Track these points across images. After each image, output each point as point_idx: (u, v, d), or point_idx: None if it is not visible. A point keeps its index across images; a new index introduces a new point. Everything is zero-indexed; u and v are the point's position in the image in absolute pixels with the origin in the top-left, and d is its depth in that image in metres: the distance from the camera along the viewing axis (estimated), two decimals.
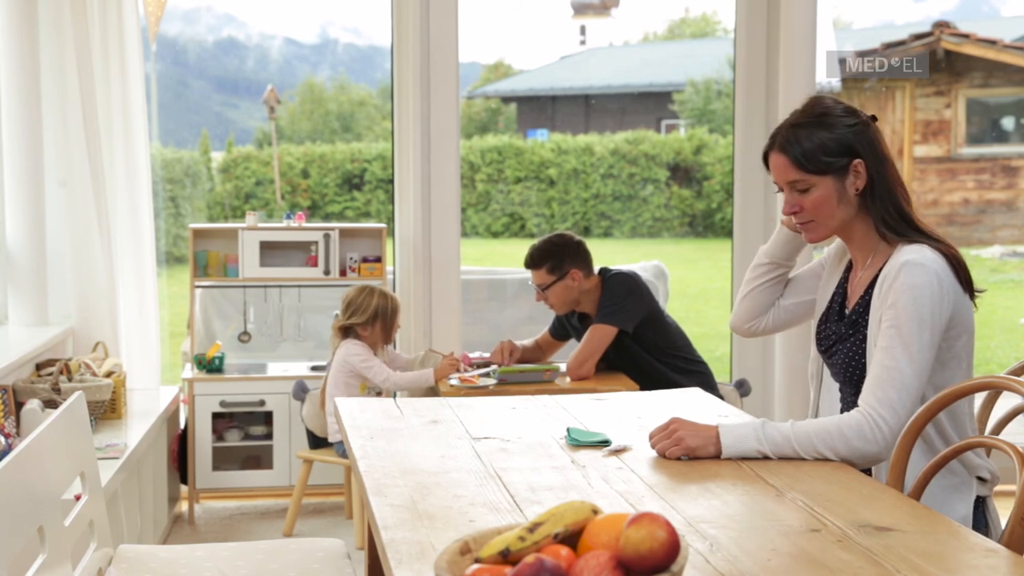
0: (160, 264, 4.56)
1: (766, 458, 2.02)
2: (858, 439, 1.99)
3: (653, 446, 2.09)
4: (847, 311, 2.20)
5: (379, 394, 3.92)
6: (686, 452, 2.05)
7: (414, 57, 4.22)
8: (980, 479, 2.18)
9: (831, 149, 2.11)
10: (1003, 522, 1.97)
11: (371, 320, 3.85)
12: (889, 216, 2.11)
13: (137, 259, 4.29)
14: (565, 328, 3.97)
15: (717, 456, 2.03)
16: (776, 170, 2.15)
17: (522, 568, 1.29)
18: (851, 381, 2.17)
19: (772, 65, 4.38)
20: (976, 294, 2.12)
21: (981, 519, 2.21)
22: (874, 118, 2.16)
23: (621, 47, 16.57)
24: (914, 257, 2.03)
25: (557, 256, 3.74)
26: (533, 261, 3.78)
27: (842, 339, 2.18)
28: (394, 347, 4.14)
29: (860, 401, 2.03)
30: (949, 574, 1.51)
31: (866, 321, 2.12)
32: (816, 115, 2.13)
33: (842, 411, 2.20)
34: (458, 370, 3.76)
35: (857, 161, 2.11)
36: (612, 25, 16.79)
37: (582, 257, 3.78)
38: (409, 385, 3.80)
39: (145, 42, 4.35)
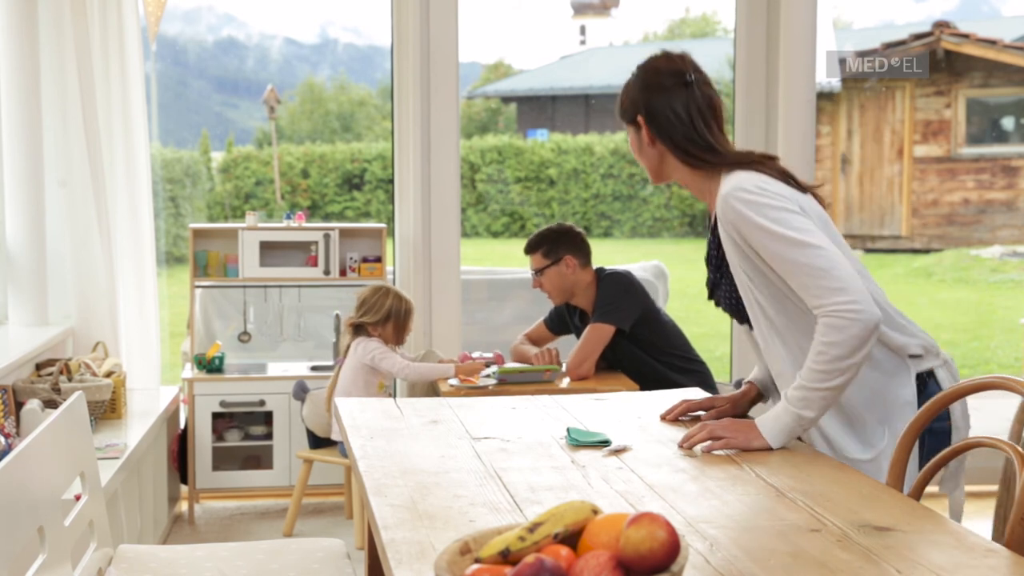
0: (160, 264, 4.56)
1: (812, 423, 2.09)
2: (838, 334, 2.00)
3: (690, 446, 2.11)
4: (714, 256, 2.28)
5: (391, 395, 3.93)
6: (731, 448, 2.10)
7: (414, 57, 4.22)
8: (913, 356, 2.18)
9: (622, 110, 2.30)
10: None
11: (383, 321, 3.84)
12: (691, 155, 2.20)
13: (137, 259, 4.29)
14: (564, 322, 3.97)
15: (767, 448, 2.09)
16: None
17: (522, 568, 1.29)
18: (741, 317, 2.26)
19: (772, 65, 4.38)
20: (813, 189, 2.20)
21: (934, 391, 2.14)
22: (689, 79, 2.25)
23: (621, 47, 16.56)
24: (731, 186, 2.11)
25: (553, 241, 3.81)
26: (530, 246, 3.85)
27: (716, 284, 2.29)
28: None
29: (814, 312, 2.05)
30: (949, 574, 1.51)
31: (725, 261, 2.20)
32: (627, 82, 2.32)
33: (760, 346, 2.28)
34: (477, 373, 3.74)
35: (639, 117, 2.24)
36: (612, 25, 16.78)
37: (578, 246, 3.82)
38: (427, 376, 3.79)
39: (145, 42, 4.34)
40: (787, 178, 2.16)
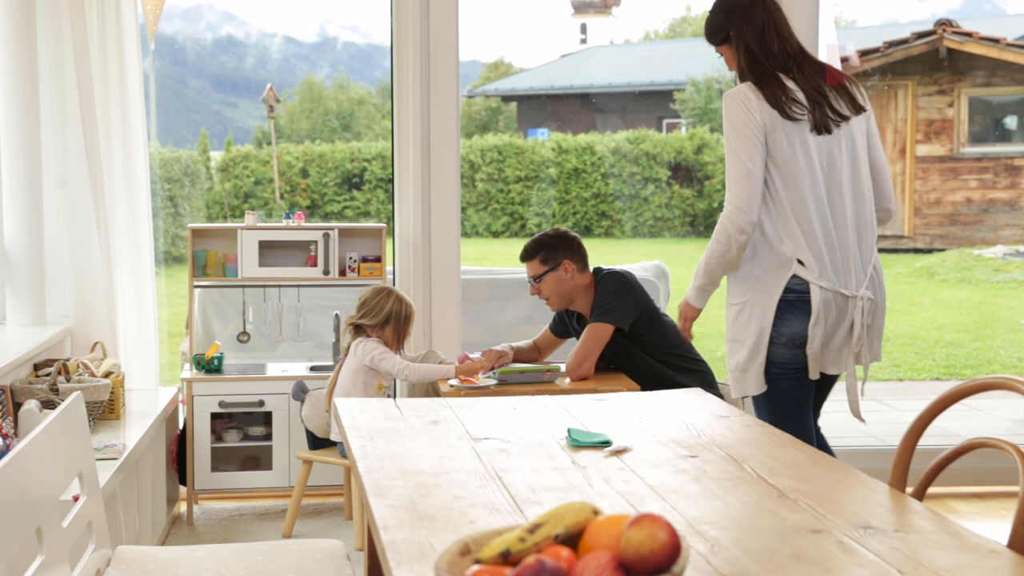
0: (159, 264, 4.55)
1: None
2: (716, 234, 2.88)
3: None
4: None
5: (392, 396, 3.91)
6: None
7: (414, 55, 4.21)
8: (799, 262, 2.87)
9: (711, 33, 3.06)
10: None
11: (382, 324, 3.82)
12: (741, 71, 2.91)
13: (136, 259, 4.28)
14: (566, 325, 3.96)
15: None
16: None
17: (522, 569, 1.28)
18: None
19: None
20: (803, 118, 2.84)
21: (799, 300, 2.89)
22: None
23: (622, 46, 16.56)
24: (729, 91, 2.85)
25: (550, 247, 3.79)
26: (527, 253, 3.84)
27: None
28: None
29: None
30: (951, 575, 1.50)
31: None
32: None
33: None
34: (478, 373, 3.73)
35: (730, 35, 2.96)
36: (613, 23, 16.78)
37: (575, 251, 3.80)
38: (428, 376, 3.77)
39: (144, 40, 4.33)
40: (776, 102, 2.80)
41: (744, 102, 2.79)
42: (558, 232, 3.85)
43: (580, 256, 3.81)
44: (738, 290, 2.97)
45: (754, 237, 2.87)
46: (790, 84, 2.84)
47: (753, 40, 2.86)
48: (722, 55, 2.97)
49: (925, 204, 12.03)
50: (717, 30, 2.95)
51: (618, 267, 3.96)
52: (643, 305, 3.76)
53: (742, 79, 2.88)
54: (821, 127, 2.83)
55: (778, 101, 2.79)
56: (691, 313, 3.06)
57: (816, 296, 2.84)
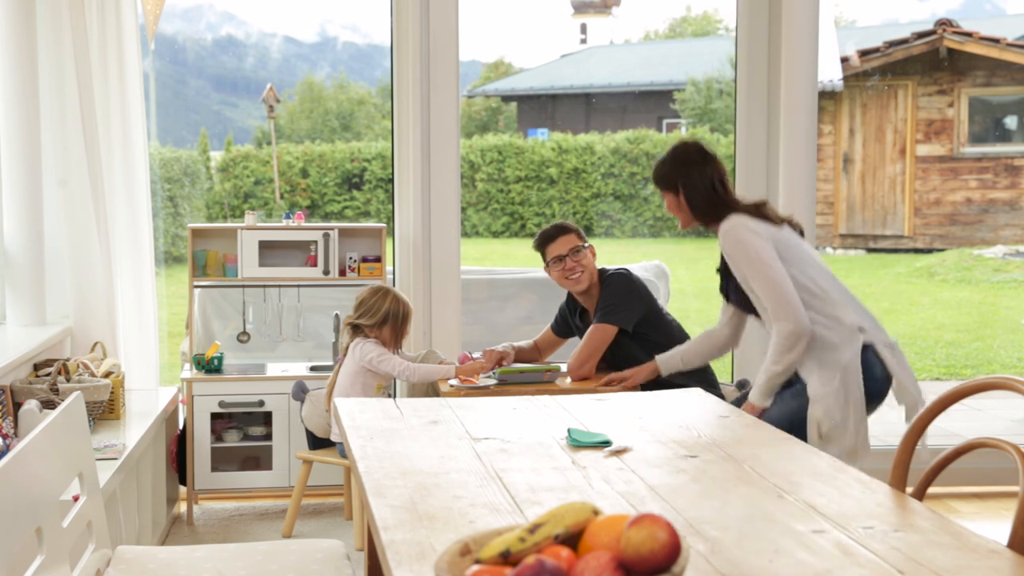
0: (159, 264, 4.55)
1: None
2: (776, 351, 3.10)
3: None
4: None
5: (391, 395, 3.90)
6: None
7: (414, 55, 4.21)
8: (861, 328, 3.12)
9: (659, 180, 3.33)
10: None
11: (380, 324, 3.81)
12: (699, 209, 3.23)
13: (136, 259, 4.28)
14: (568, 324, 3.95)
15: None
16: None
17: (523, 569, 1.28)
18: (751, 309, 3.21)
19: (774, 64, 4.36)
20: (785, 220, 3.20)
21: (872, 362, 3.14)
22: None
23: (622, 46, 16.56)
24: (723, 228, 3.13)
25: (579, 229, 3.89)
26: (561, 229, 3.83)
27: (727, 287, 3.30)
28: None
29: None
30: (951, 575, 1.50)
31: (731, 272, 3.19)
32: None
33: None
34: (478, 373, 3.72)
35: (679, 185, 3.24)
36: (613, 23, 16.77)
37: None
38: (428, 376, 3.77)
39: (143, 40, 4.33)
40: (766, 217, 3.13)
41: (745, 226, 3.09)
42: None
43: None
44: (819, 376, 3.10)
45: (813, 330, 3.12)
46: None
47: (716, 182, 3.22)
48: (665, 199, 3.31)
49: (925, 204, 12.02)
50: (667, 179, 3.27)
51: (619, 266, 3.95)
52: (648, 305, 3.76)
53: (704, 216, 3.22)
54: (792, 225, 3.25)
55: (764, 215, 3.15)
56: (756, 412, 3.21)
57: (883, 353, 3.16)
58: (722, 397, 3.35)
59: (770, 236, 3.08)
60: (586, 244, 3.80)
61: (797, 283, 3.08)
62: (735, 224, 3.09)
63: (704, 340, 3.49)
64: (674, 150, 3.29)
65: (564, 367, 3.81)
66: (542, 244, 3.82)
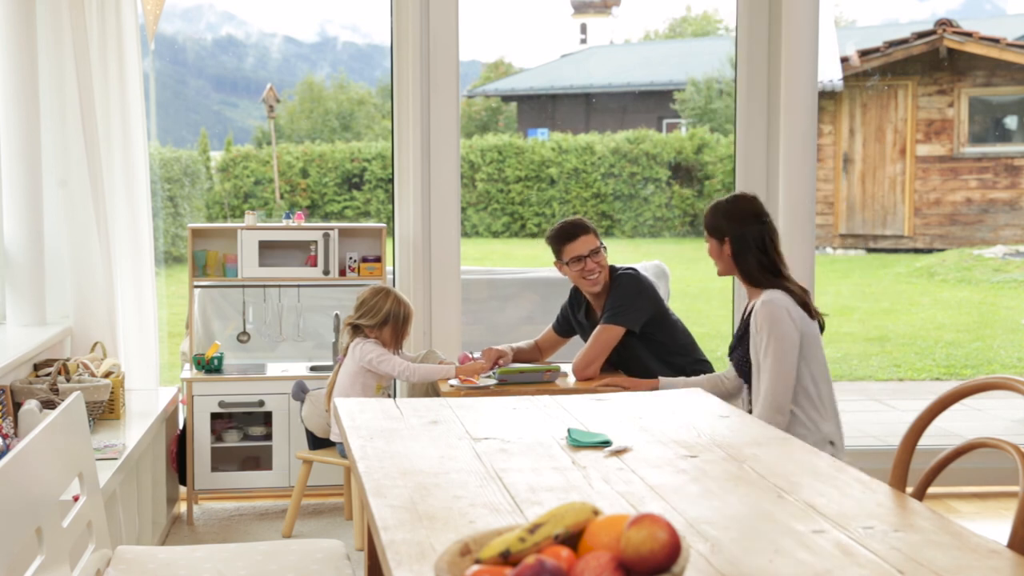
0: (159, 264, 4.55)
1: None
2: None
3: None
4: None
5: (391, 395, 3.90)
6: None
7: (414, 55, 4.21)
8: (832, 443, 3.19)
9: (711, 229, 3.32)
10: None
11: (380, 324, 3.80)
12: (744, 269, 3.23)
13: (136, 259, 4.28)
14: (570, 324, 3.94)
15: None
16: None
17: (523, 569, 1.28)
18: (745, 377, 3.27)
19: (774, 64, 4.36)
20: (819, 316, 3.21)
21: None
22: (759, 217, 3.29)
23: (622, 46, 16.56)
24: (765, 297, 3.14)
25: (713, 230, 3.82)
26: (579, 228, 3.75)
27: (735, 348, 3.33)
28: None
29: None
30: (951, 575, 1.50)
31: (747, 337, 3.22)
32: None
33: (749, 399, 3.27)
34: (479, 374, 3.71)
35: (726, 238, 3.25)
36: (613, 23, 16.77)
37: None
38: (428, 376, 3.76)
39: (144, 40, 4.33)
40: (806, 307, 3.15)
41: (785, 307, 3.12)
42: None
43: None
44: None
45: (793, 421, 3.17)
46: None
47: (767, 244, 3.25)
48: (708, 244, 3.33)
49: (925, 204, 12.02)
50: (717, 229, 3.28)
51: (627, 265, 3.92)
52: (655, 306, 3.74)
53: (748, 277, 3.24)
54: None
55: (805, 303, 3.17)
56: (652, 387, 3.48)
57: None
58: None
59: (802, 327, 3.12)
60: (603, 244, 3.77)
61: (800, 383, 3.13)
62: (777, 300, 3.12)
63: (712, 381, 3.51)
64: (731, 202, 3.29)
65: (566, 367, 3.80)
66: (560, 242, 3.74)
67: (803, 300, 3.17)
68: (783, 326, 3.09)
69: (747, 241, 3.22)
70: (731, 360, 3.38)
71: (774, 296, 3.13)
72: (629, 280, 3.74)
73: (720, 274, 3.34)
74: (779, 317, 3.09)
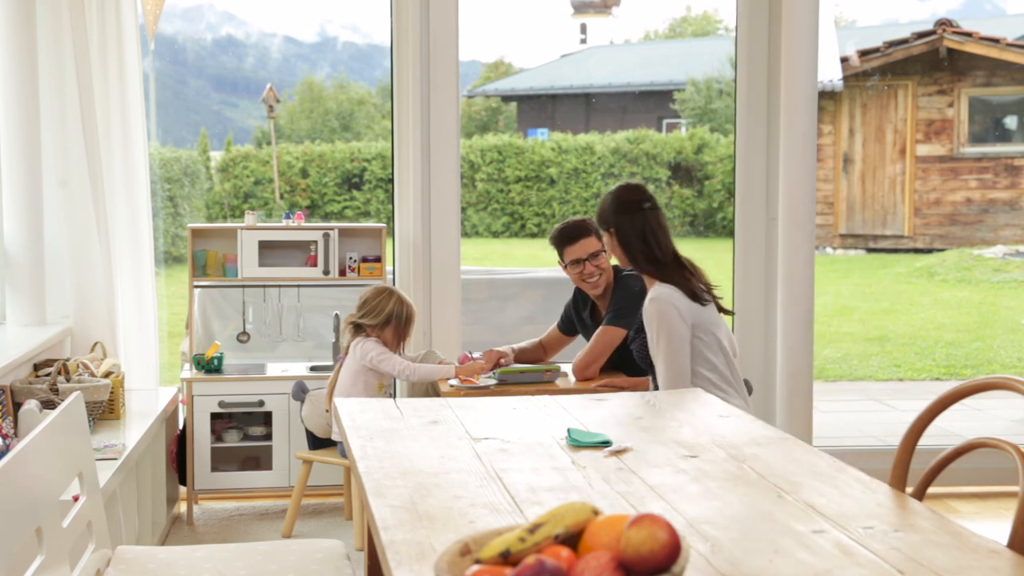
0: (159, 264, 4.55)
1: None
2: None
3: None
4: None
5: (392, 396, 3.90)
6: None
7: (414, 55, 4.21)
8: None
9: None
10: None
11: (383, 324, 3.80)
12: (636, 262, 3.25)
13: (136, 259, 4.28)
14: (574, 323, 3.93)
15: None
16: None
17: (523, 569, 1.28)
18: (648, 368, 3.32)
19: (774, 64, 4.36)
20: (710, 300, 3.22)
21: None
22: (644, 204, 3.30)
23: (622, 46, 16.56)
24: (651, 294, 3.19)
25: (600, 222, 3.77)
26: (583, 228, 3.73)
27: (634, 340, 3.47)
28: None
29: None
30: (951, 575, 1.50)
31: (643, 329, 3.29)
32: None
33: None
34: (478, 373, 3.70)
35: (611, 229, 3.28)
36: (613, 23, 16.77)
37: None
38: (428, 376, 3.76)
39: (143, 40, 4.33)
40: (694, 295, 3.17)
41: (671, 303, 3.15)
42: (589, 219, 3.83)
43: None
44: None
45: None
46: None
47: (647, 233, 3.25)
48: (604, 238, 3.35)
49: (925, 204, 12.02)
50: (602, 219, 3.32)
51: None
52: None
53: (637, 266, 3.25)
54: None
55: (693, 291, 3.19)
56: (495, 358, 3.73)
57: None
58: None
59: (693, 319, 3.15)
60: (604, 245, 3.75)
61: (700, 370, 3.15)
62: (663, 297, 3.15)
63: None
64: (613, 192, 3.32)
65: (566, 367, 3.80)
66: (560, 244, 3.74)
67: (692, 289, 3.18)
68: (671, 323, 3.12)
69: (627, 231, 3.23)
70: (632, 350, 3.45)
71: (660, 292, 3.16)
72: (633, 282, 3.73)
73: (623, 266, 3.39)
74: (666, 313, 3.13)
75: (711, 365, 3.17)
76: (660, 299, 3.15)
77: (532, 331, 4.17)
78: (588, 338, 3.82)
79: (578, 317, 3.90)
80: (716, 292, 3.29)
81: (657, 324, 3.15)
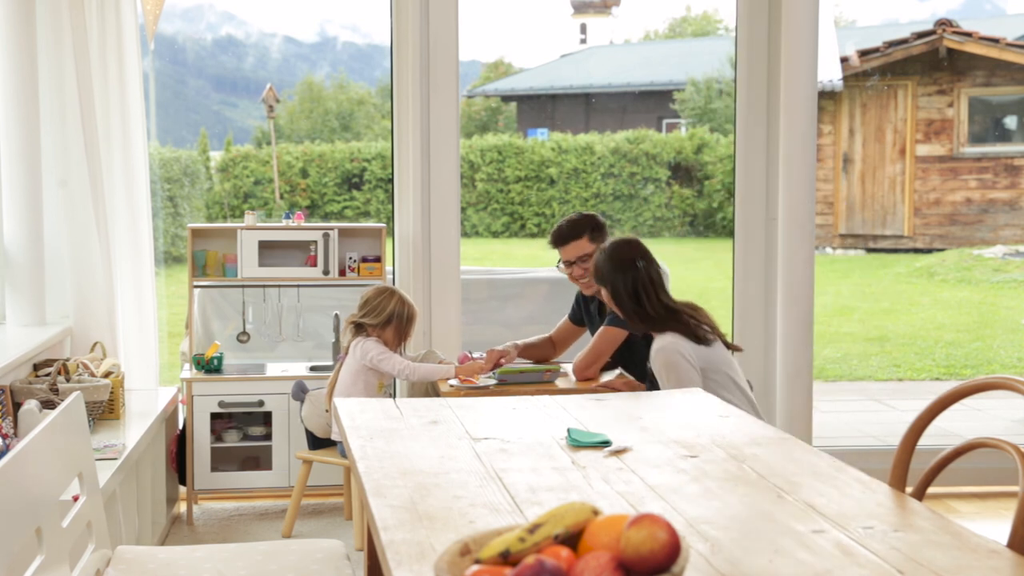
0: (158, 264, 4.55)
1: None
2: None
3: None
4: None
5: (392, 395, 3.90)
6: None
7: (414, 55, 4.21)
8: None
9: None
10: None
11: (384, 324, 3.80)
12: (630, 318, 3.31)
13: (135, 259, 4.28)
14: (582, 313, 3.93)
15: None
16: None
17: (522, 569, 1.28)
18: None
19: (773, 64, 4.36)
20: (715, 338, 3.23)
21: None
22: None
23: (622, 45, 16.56)
24: (656, 344, 3.20)
25: (595, 227, 3.76)
26: (573, 232, 3.74)
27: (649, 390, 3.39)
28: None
29: None
30: (951, 575, 1.50)
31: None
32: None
33: None
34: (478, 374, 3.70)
35: (607, 286, 3.33)
36: (613, 23, 16.77)
37: (607, 233, 3.79)
38: (428, 376, 3.76)
39: (143, 40, 4.33)
40: (697, 336, 3.18)
41: (677, 350, 3.16)
42: (594, 215, 3.81)
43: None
44: None
45: None
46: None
47: (639, 290, 3.28)
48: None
49: (925, 204, 12.03)
50: (598, 276, 3.35)
51: None
52: None
53: (634, 322, 3.30)
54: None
55: (696, 334, 3.20)
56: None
57: None
58: None
59: (701, 363, 3.17)
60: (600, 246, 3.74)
61: None
62: (668, 346, 3.16)
63: None
64: (608, 250, 3.35)
65: (567, 366, 3.80)
66: (555, 243, 3.79)
67: (694, 332, 3.20)
68: (680, 370, 3.14)
69: (619, 289, 3.28)
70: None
71: (665, 343, 3.19)
72: None
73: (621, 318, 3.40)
74: (674, 362, 3.15)
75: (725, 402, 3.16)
76: (665, 348, 3.17)
77: (532, 331, 4.17)
78: (593, 332, 3.82)
79: (585, 309, 3.90)
80: (721, 331, 3.30)
81: (666, 374, 3.15)
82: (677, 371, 3.13)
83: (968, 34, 11.44)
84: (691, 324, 3.22)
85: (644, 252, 3.35)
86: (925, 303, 10.32)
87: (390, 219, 4.50)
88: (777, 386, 4.33)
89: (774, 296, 4.36)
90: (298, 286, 4.47)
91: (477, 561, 1.36)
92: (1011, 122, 12.23)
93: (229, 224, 4.51)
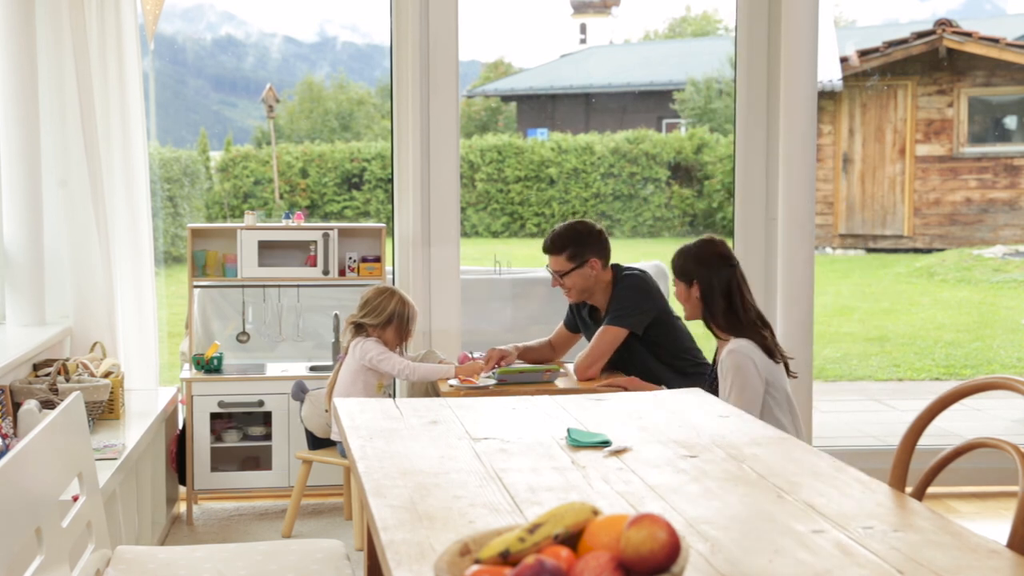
0: (158, 264, 4.55)
1: None
2: None
3: None
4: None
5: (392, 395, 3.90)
6: None
7: (414, 55, 4.21)
8: None
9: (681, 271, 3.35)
10: None
11: (384, 324, 3.80)
12: (712, 314, 3.27)
13: (135, 259, 4.28)
14: (575, 319, 3.93)
15: None
16: None
17: (522, 569, 1.28)
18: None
19: (773, 64, 4.36)
20: (784, 358, 3.24)
21: None
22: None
23: (622, 45, 16.56)
24: (731, 346, 3.18)
25: (579, 243, 3.73)
26: (554, 246, 3.75)
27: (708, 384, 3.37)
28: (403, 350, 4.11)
29: None
30: (951, 575, 1.50)
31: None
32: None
33: None
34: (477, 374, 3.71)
35: (695, 282, 3.27)
36: (612, 23, 16.77)
37: (602, 246, 3.76)
38: (428, 376, 3.76)
39: (143, 40, 4.33)
40: (770, 351, 3.18)
41: (750, 357, 3.14)
42: (585, 225, 3.78)
43: (605, 252, 3.76)
44: None
45: None
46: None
47: (733, 290, 3.26)
48: (676, 287, 3.32)
49: (925, 204, 12.03)
50: (684, 272, 3.29)
51: (631, 266, 3.91)
52: (660, 308, 3.73)
53: (715, 322, 3.26)
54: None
55: (769, 348, 3.20)
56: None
57: None
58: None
59: (767, 374, 3.16)
60: (579, 264, 3.70)
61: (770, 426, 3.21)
62: (742, 349, 3.15)
63: None
64: (700, 246, 3.29)
65: (570, 365, 3.80)
66: (543, 249, 3.82)
67: (768, 346, 3.20)
68: (747, 376, 3.12)
69: (714, 286, 3.23)
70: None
71: (740, 345, 3.17)
72: (632, 282, 3.73)
73: (687, 318, 3.36)
74: (743, 366, 3.13)
75: (779, 424, 3.14)
76: (739, 351, 3.16)
77: (531, 332, 4.18)
78: (588, 337, 3.82)
79: (578, 314, 3.91)
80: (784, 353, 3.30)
81: (732, 375, 3.14)
82: (744, 375, 3.12)
83: (968, 34, 11.44)
84: (768, 338, 3.22)
85: (733, 255, 3.32)
86: (925, 303, 10.32)
87: (390, 219, 4.50)
88: None
89: (774, 296, 4.36)
90: (298, 286, 4.47)
91: (477, 561, 1.36)
92: (1011, 122, 12.23)
93: (229, 224, 4.51)
